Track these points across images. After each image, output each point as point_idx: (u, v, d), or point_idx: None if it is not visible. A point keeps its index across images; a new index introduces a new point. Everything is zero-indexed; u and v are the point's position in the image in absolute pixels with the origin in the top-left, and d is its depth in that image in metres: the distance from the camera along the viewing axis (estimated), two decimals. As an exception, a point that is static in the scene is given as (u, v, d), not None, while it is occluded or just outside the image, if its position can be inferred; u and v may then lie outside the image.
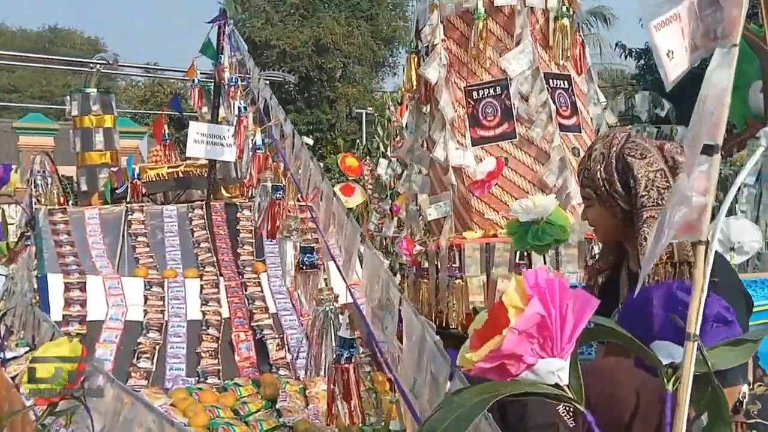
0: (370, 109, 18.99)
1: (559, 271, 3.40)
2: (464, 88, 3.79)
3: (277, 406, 2.48)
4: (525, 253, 3.42)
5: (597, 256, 1.80)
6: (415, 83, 4.07)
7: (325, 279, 2.46)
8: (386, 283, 1.72)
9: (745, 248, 2.36)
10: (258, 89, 3.74)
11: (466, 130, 3.72)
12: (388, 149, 8.49)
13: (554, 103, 3.64)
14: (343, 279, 2.27)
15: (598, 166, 1.57)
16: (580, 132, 3.83)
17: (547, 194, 3.50)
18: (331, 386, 1.95)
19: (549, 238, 2.42)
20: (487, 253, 3.49)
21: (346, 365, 1.94)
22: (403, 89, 9.74)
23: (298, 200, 2.79)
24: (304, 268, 2.45)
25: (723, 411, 1.08)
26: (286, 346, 3.00)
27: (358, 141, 12.43)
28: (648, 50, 14.37)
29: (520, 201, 2.51)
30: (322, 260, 2.58)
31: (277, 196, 2.89)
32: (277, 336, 3.05)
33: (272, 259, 3.95)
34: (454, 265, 3.49)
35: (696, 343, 0.93)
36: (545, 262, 2.54)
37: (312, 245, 2.48)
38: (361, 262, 2.01)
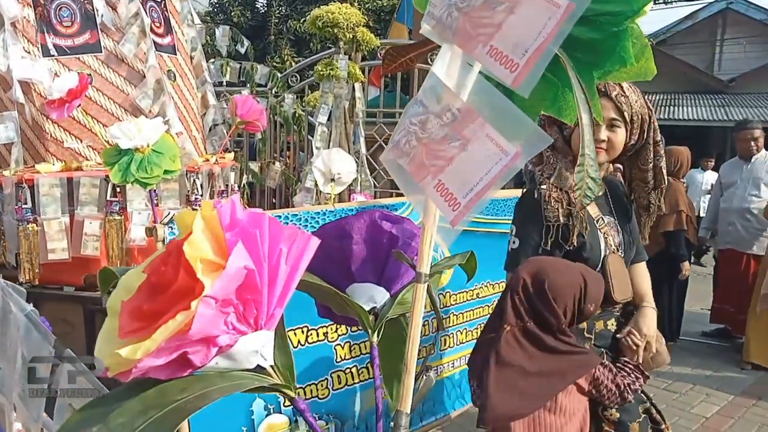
0: None
1: (159, 208, 3.06)
2: (29, -19, 2.97)
3: None
4: (118, 189, 2.96)
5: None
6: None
7: None
8: None
9: (344, 179, 2.46)
10: None
11: (36, 36, 2.95)
12: None
13: (147, 16, 3.17)
14: None
15: (635, 96, 1.74)
16: (175, 54, 3.46)
17: (142, 121, 3.07)
18: None
19: (158, 169, 2.06)
20: (69, 189, 2.89)
21: None
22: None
23: None
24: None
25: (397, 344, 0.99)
26: None
27: None
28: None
29: (120, 124, 2.07)
30: None
31: None
32: None
33: None
34: (24, 206, 2.78)
35: (426, 284, 0.81)
36: (150, 198, 2.17)
37: None
38: None
